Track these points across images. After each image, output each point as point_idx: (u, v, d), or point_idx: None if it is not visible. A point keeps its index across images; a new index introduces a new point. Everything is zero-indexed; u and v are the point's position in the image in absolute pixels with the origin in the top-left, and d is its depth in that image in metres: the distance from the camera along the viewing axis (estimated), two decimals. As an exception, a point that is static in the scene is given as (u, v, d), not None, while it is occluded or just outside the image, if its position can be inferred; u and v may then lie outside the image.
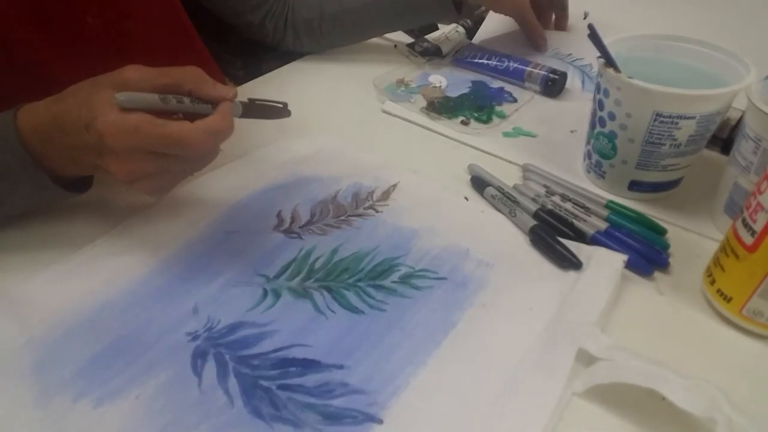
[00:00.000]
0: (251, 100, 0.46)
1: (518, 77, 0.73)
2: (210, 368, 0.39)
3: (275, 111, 0.47)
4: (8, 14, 0.49)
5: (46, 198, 0.46)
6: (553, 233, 0.48)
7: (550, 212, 0.51)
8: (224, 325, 0.42)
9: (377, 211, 0.53)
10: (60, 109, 0.41)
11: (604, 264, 0.45)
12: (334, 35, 0.79)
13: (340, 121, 0.67)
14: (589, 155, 0.57)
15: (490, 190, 0.54)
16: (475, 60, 0.77)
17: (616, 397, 0.37)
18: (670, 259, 0.48)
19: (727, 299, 0.42)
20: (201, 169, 0.45)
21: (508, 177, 0.57)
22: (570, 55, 0.76)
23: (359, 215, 0.52)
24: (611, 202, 0.53)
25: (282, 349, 0.40)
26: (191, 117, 0.41)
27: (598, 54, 0.51)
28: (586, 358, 0.39)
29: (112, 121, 0.39)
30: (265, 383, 0.38)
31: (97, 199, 0.52)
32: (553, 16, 0.83)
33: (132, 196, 0.52)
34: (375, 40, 0.88)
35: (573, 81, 0.73)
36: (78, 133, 0.40)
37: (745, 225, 0.40)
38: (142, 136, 0.39)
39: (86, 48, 0.55)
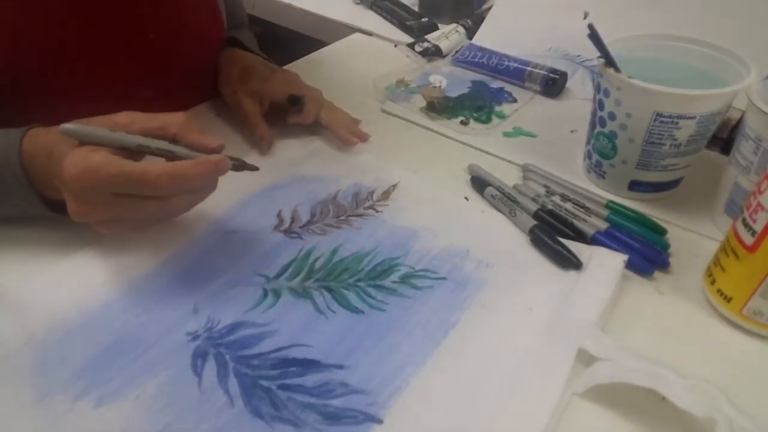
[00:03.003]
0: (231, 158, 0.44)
1: (518, 77, 0.73)
2: (210, 368, 0.39)
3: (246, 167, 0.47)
4: (77, 31, 0.52)
5: (35, 215, 0.46)
6: (553, 233, 0.48)
7: (550, 212, 0.51)
8: (224, 325, 0.42)
9: (377, 211, 0.53)
10: (54, 139, 0.42)
11: (605, 264, 0.45)
12: None
13: (340, 121, 0.67)
14: (589, 155, 0.57)
15: (490, 190, 0.54)
16: (475, 60, 0.77)
17: (616, 397, 0.37)
18: (671, 259, 0.48)
19: (728, 299, 0.42)
20: (176, 215, 0.43)
21: (508, 177, 0.57)
22: (579, 56, 0.76)
23: (359, 215, 0.52)
24: (611, 202, 0.53)
25: (282, 349, 0.40)
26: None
27: (599, 54, 0.51)
28: (586, 358, 0.39)
29: (72, 161, 0.38)
30: (265, 383, 0.38)
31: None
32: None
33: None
34: (375, 39, 0.88)
35: (584, 82, 0.73)
36: (56, 164, 0.40)
37: (746, 225, 0.40)
38: (101, 175, 0.38)
39: (142, 61, 0.58)
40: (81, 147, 0.39)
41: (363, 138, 0.62)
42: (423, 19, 0.90)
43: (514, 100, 0.71)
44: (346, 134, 0.60)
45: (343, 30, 0.91)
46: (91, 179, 0.38)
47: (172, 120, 0.42)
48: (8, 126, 0.45)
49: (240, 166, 0.45)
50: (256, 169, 0.47)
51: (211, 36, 0.66)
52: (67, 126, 0.38)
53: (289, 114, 0.61)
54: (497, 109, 0.69)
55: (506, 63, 0.74)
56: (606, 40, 0.50)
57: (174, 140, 0.41)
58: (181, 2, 0.61)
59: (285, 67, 0.77)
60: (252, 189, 0.55)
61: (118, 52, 0.56)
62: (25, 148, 0.43)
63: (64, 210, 0.45)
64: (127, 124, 0.40)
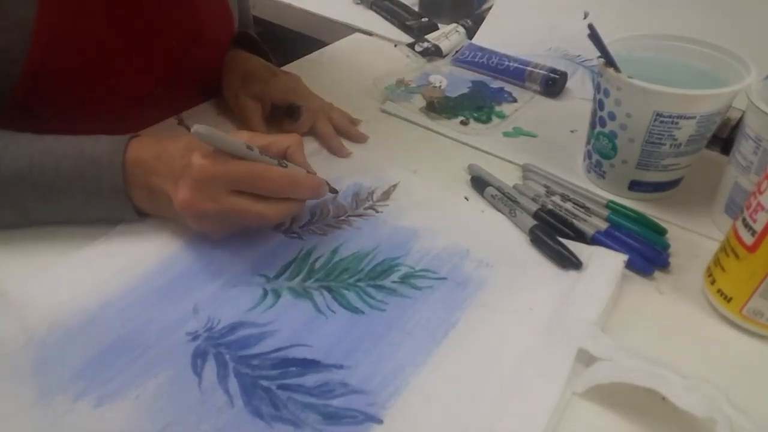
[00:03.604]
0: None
1: (518, 77, 0.73)
2: (210, 368, 0.39)
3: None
4: (108, 36, 0.54)
5: (116, 218, 0.49)
6: (553, 233, 0.48)
7: (551, 212, 0.51)
8: (224, 325, 0.42)
9: (377, 211, 0.53)
10: (168, 144, 0.46)
11: (605, 264, 0.45)
12: None
13: (340, 121, 0.67)
14: (589, 155, 0.57)
15: (490, 190, 0.54)
16: (475, 60, 0.77)
17: (616, 397, 0.37)
18: (671, 259, 0.48)
19: (728, 299, 0.42)
20: (272, 222, 0.48)
21: (508, 177, 0.57)
22: (579, 56, 0.76)
23: (359, 215, 0.52)
24: (611, 202, 0.53)
25: (282, 349, 0.40)
26: None
27: (599, 54, 0.51)
28: (586, 358, 0.39)
29: (204, 153, 0.43)
30: (265, 383, 0.38)
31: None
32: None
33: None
34: (375, 39, 0.88)
35: (584, 82, 0.73)
36: (169, 161, 0.44)
37: (746, 225, 0.40)
38: (229, 167, 0.42)
39: (162, 65, 0.60)
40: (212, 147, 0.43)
41: (361, 139, 0.63)
42: (423, 19, 0.90)
43: (514, 100, 0.71)
44: (337, 145, 0.61)
45: (343, 30, 0.91)
46: (219, 170, 0.42)
47: (287, 139, 0.48)
48: (30, 122, 0.48)
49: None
50: (336, 192, 0.52)
51: (224, 39, 0.68)
52: (200, 130, 0.41)
53: (285, 121, 0.63)
54: (497, 109, 0.69)
55: (506, 63, 0.74)
56: (606, 40, 0.50)
57: (280, 160, 0.46)
58: (202, 10, 0.63)
59: (285, 67, 0.77)
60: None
61: (141, 57, 0.58)
62: (129, 153, 0.46)
63: (146, 215, 0.50)
64: (248, 140, 0.44)
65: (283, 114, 0.63)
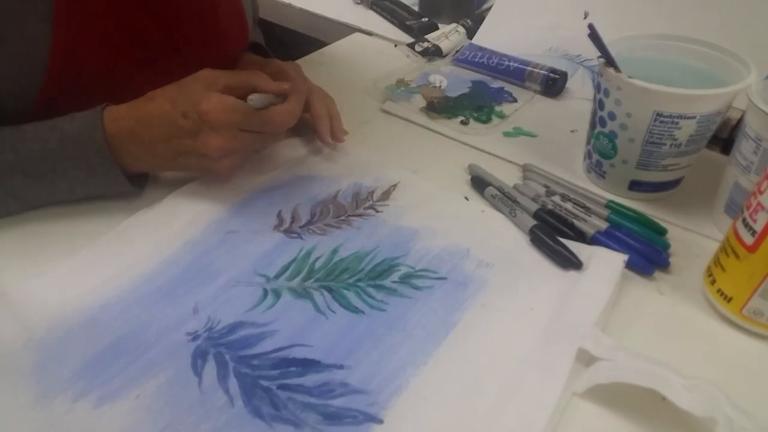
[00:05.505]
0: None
1: (518, 77, 0.73)
2: (210, 368, 0.39)
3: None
4: (122, 49, 0.54)
5: (113, 191, 0.51)
6: (553, 233, 0.48)
7: (551, 212, 0.51)
8: (224, 325, 0.42)
9: (377, 211, 0.53)
10: (146, 108, 0.48)
11: (605, 264, 0.45)
12: None
13: (340, 121, 0.67)
14: (589, 155, 0.57)
15: (490, 190, 0.54)
16: (475, 60, 0.77)
17: (616, 397, 0.37)
18: (671, 259, 0.48)
19: (728, 299, 0.42)
20: (265, 149, 0.57)
21: (508, 177, 0.57)
22: (579, 56, 0.76)
23: (359, 215, 0.52)
24: (611, 201, 0.53)
25: (282, 349, 0.40)
26: None
27: (599, 54, 0.51)
28: (586, 358, 0.39)
29: (215, 103, 0.46)
30: (265, 383, 0.38)
31: (96, 200, 0.52)
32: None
33: (131, 195, 0.53)
34: (375, 39, 0.88)
35: (584, 82, 0.73)
36: (168, 124, 0.47)
37: (746, 225, 0.40)
38: (240, 114, 0.47)
39: (174, 74, 0.59)
40: (213, 94, 0.47)
41: (339, 137, 0.60)
42: (423, 19, 0.90)
43: (514, 100, 0.71)
44: (335, 128, 0.59)
45: (343, 30, 0.91)
46: (233, 117, 0.47)
47: (252, 76, 0.51)
48: None
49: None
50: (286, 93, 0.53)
51: (237, 47, 0.67)
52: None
53: None
54: (497, 108, 0.69)
55: (506, 63, 0.74)
56: (606, 40, 0.50)
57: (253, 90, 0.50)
58: (222, 25, 0.62)
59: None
60: (252, 189, 0.55)
61: (160, 73, 0.57)
62: (107, 125, 0.47)
63: (141, 184, 0.53)
64: (215, 78, 0.49)
65: None
